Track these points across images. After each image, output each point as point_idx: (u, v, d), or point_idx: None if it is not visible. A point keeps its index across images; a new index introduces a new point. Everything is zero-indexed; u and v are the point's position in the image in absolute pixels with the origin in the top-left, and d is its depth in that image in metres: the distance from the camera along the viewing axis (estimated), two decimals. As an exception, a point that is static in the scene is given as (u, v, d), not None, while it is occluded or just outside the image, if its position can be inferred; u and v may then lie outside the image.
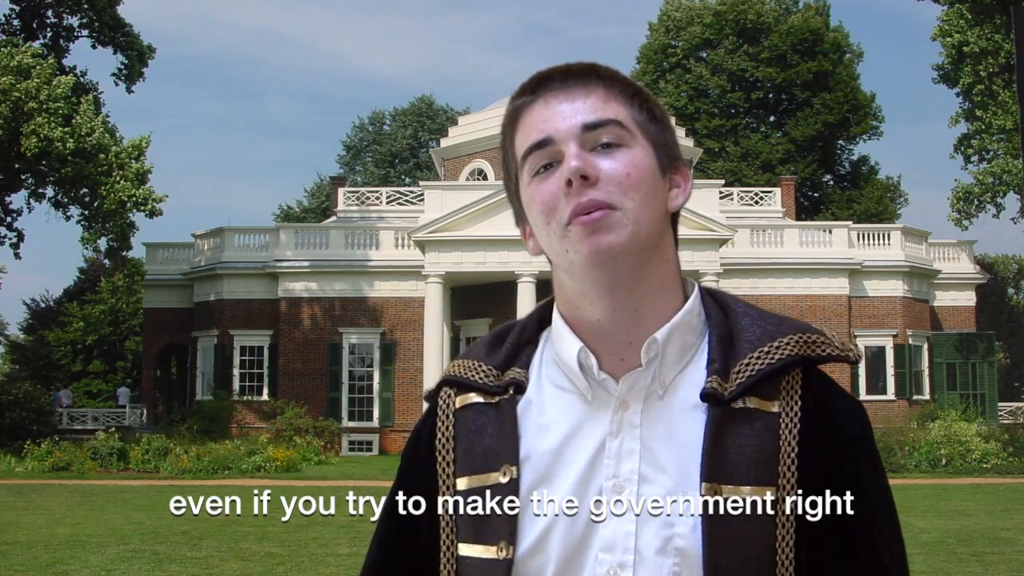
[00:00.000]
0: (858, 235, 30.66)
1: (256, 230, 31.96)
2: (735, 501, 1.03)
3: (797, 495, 1.05)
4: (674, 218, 1.17)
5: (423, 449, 1.19)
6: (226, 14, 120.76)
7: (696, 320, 1.13)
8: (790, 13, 48.67)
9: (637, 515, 1.05)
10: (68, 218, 27.98)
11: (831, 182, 49.64)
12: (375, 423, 29.55)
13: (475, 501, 1.11)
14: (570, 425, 1.11)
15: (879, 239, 30.68)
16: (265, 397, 29.66)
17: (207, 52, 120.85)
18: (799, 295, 29.55)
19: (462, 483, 1.13)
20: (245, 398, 29.79)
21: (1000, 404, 31.71)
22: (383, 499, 1.24)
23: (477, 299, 27.45)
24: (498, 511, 1.09)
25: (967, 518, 14.19)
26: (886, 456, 23.02)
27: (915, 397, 29.95)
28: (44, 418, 27.94)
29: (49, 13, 30.44)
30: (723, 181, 33.18)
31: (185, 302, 32.16)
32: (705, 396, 1.08)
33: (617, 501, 1.06)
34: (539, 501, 1.08)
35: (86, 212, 27.33)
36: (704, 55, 48.67)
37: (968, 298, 33.51)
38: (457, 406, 1.18)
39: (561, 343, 1.14)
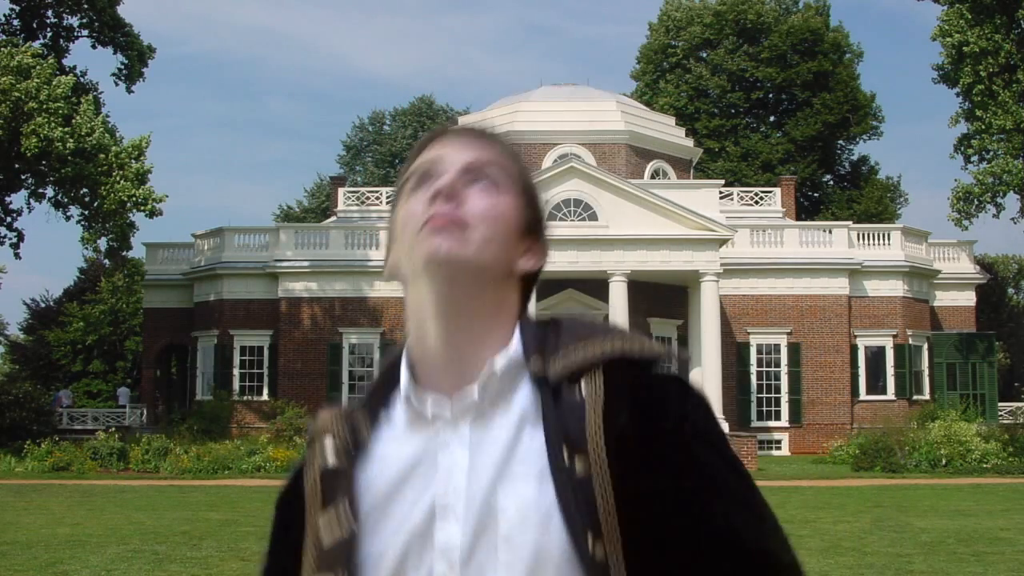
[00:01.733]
0: (858, 235, 30.66)
1: (256, 230, 31.97)
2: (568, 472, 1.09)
3: (606, 470, 1.09)
4: (525, 284, 1.22)
5: (293, 495, 1.28)
6: (226, 14, 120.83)
7: (517, 356, 1.17)
8: (790, 13, 48.68)
9: (463, 520, 1.10)
10: (68, 218, 28.01)
11: (831, 182, 49.65)
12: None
13: (323, 537, 1.18)
14: (404, 453, 1.17)
15: (879, 239, 30.68)
16: (265, 397, 29.66)
17: (207, 52, 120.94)
18: (799, 295, 29.54)
19: (320, 520, 1.20)
20: (245, 398, 29.79)
21: (1000, 404, 31.70)
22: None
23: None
24: (337, 544, 1.16)
25: (967, 518, 14.18)
26: (886, 456, 23.04)
27: (915, 397, 29.95)
28: (44, 418, 27.95)
29: (49, 13, 30.45)
30: (723, 181, 33.19)
31: (185, 302, 32.17)
32: (533, 377, 1.15)
33: (447, 512, 1.11)
34: (379, 523, 1.15)
35: (86, 212, 27.33)
36: (704, 55, 48.68)
37: (968, 298, 33.51)
38: (320, 461, 1.24)
39: (403, 373, 1.21)
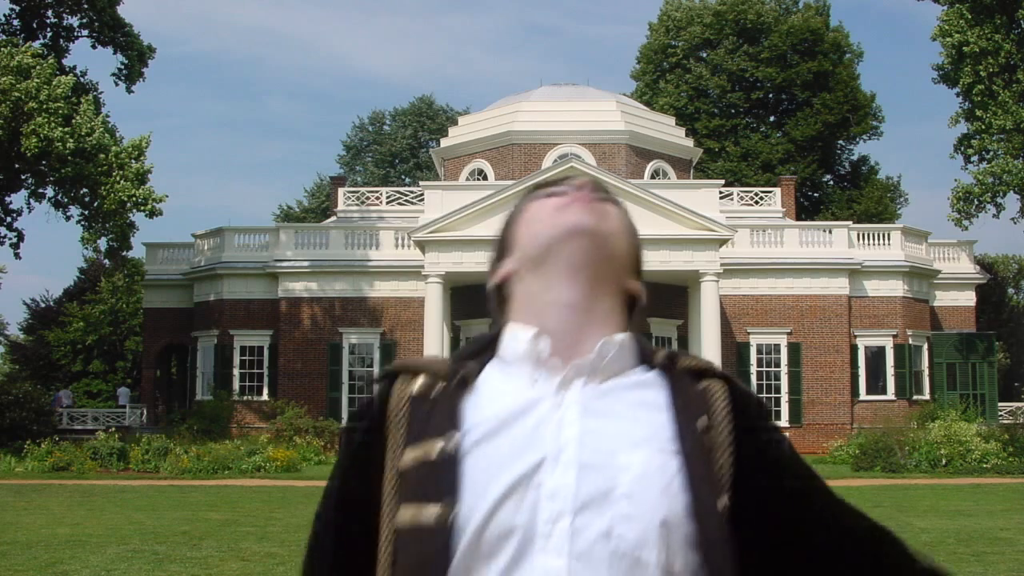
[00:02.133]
0: (858, 235, 30.65)
1: (256, 230, 31.96)
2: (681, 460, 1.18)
3: (729, 447, 1.22)
4: (629, 308, 1.33)
5: (374, 427, 1.27)
6: (226, 14, 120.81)
7: (632, 346, 1.28)
8: (790, 13, 48.67)
9: (578, 469, 1.14)
10: (68, 218, 27.99)
11: (831, 182, 49.65)
12: (376, 401, 29.47)
13: (419, 467, 1.19)
14: (515, 401, 1.20)
15: (879, 239, 30.67)
16: (265, 397, 29.67)
17: (207, 52, 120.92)
18: (799, 295, 29.54)
19: (410, 453, 1.21)
20: (245, 398, 29.79)
21: (1000, 404, 31.70)
22: (328, 481, 1.33)
23: (477, 299, 27.41)
24: (439, 472, 1.16)
25: (967, 518, 14.19)
26: (886, 456, 23.04)
27: (915, 397, 29.94)
28: (44, 418, 27.94)
29: (49, 13, 30.43)
30: (723, 181, 33.16)
31: (185, 302, 32.16)
32: (659, 367, 1.26)
33: (558, 460, 1.15)
34: (482, 460, 1.16)
35: (86, 212, 27.32)
36: (704, 55, 48.67)
37: (968, 298, 33.51)
38: (409, 391, 1.27)
39: (513, 336, 1.27)
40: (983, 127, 28.32)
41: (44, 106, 24.72)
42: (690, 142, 36.00)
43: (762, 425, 1.26)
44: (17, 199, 29.59)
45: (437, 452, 1.18)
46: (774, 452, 1.25)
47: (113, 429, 26.16)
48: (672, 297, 28.12)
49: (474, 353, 1.29)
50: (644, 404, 1.21)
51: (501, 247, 1.36)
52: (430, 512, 1.15)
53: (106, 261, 33.42)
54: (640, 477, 1.13)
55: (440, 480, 1.16)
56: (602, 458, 1.14)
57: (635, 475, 1.13)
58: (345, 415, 29.43)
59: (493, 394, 1.22)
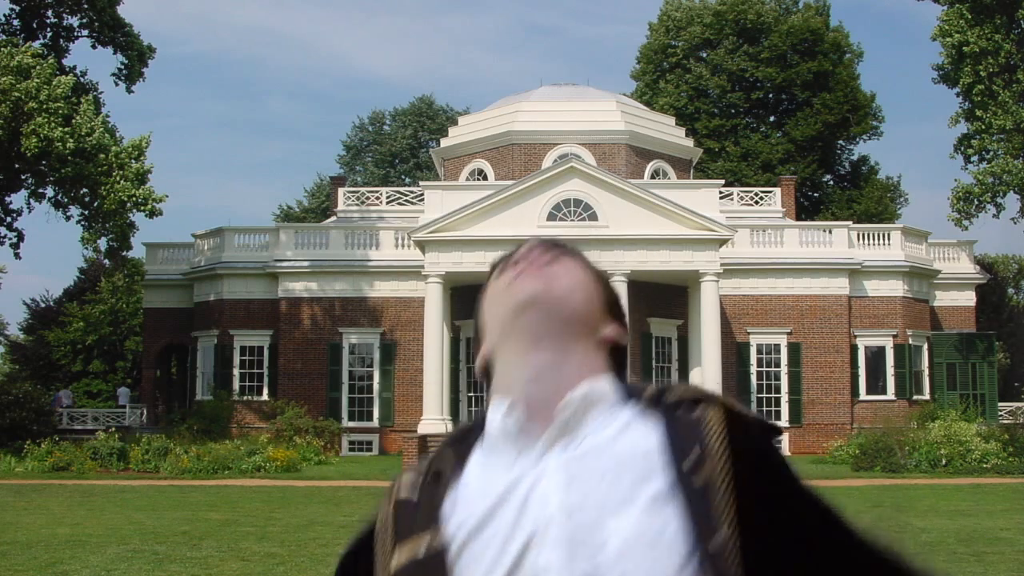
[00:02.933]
0: (858, 235, 30.65)
1: (256, 230, 31.96)
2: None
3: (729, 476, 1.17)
4: (615, 357, 1.31)
5: (364, 545, 1.28)
6: (226, 14, 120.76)
7: (609, 394, 1.24)
8: (790, 13, 48.66)
9: (567, 544, 1.12)
10: (68, 218, 27.99)
11: (831, 182, 49.63)
12: (375, 423, 29.55)
13: (408, 569, 1.18)
14: (498, 484, 1.19)
15: (879, 239, 30.67)
16: (265, 397, 29.66)
17: (207, 52, 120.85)
18: (799, 295, 29.54)
19: (395, 559, 1.21)
20: (245, 398, 29.78)
21: (1000, 404, 31.69)
22: None
23: (477, 299, 27.39)
24: (428, 571, 1.16)
25: (967, 518, 14.19)
26: (886, 456, 23.04)
27: (915, 397, 29.94)
28: (44, 418, 27.94)
29: (49, 13, 30.42)
30: (723, 181, 33.14)
31: (185, 302, 32.16)
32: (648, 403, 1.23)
33: (545, 538, 1.13)
34: (474, 555, 1.15)
35: (86, 212, 27.31)
36: (704, 55, 48.66)
37: (968, 298, 33.51)
38: (396, 498, 1.27)
39: (493, 411, 1.25)
40: (983, 127, 28.31)
41: (44, 106, 24.71)
42: (690, 142, 35.99)
43: (766, 448, 1.22)
44: (17, 199, 29.62)
45: (423, 551, 1.17)
46: (782, 476, 1.22)
47: (113, 429, 26.16)
48: (672, 297, 28.11)
49: (463, 435, 1.29)
50: (629, 455, 1.17)
51: (477, 330, 1.36)
52: None
53: (106, 261, 33.42)
54: (629, 543, 1.11)
55: None
56: (588, 528, 1.12)
57: (623, 541, 1.11)
58: (345, 415, 29.45)
59: (476, 481, 1.21)
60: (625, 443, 1.18)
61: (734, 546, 1.12)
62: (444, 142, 35.68)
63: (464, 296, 27.80)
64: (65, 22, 30.58)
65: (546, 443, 1.19)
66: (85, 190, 26.71)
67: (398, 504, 1.24)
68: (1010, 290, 48.31)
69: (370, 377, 29.74)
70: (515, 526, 1.14)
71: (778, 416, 29.36)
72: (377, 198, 33.97)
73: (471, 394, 28.16)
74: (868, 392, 29.80)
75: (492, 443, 1.24)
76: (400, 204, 33.15)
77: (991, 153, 28.89)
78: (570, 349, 1.24)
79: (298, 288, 30.01)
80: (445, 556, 1.15)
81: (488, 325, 1.31)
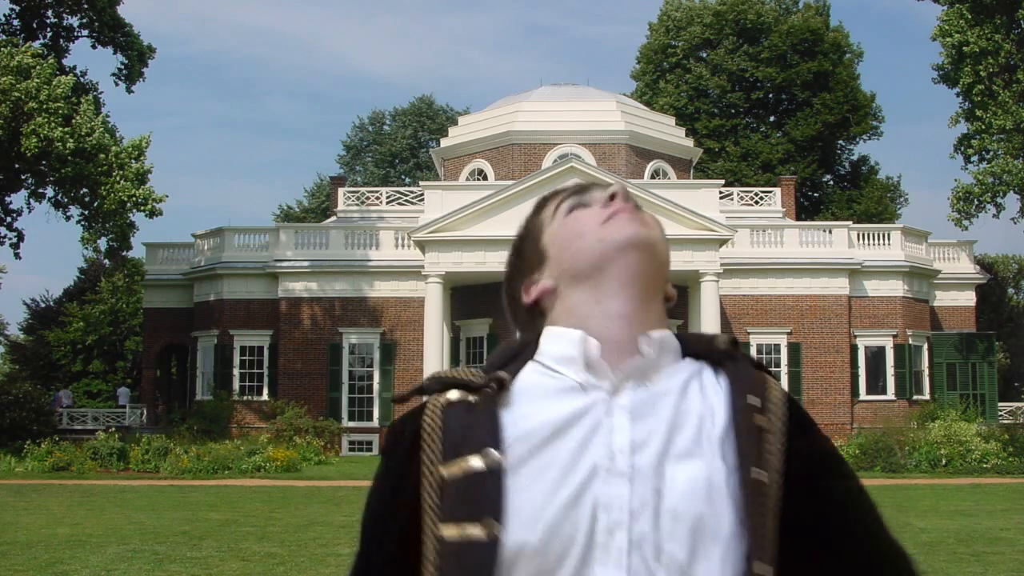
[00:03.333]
0: (858, 235, 30.65)
1: (256, 230, 31.96)
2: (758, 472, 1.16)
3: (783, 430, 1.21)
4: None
5: (407, 446, 1.22)
6: (226, 14, 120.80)
7: (678, 346, 1.27)
8: (790, 13, 48.67)
9: (631, 479, 1.13)
10: (68, 218, 27.98)
11: (831, 182, 49.63)
12: (375, 423, 29.55)
13: (458, 484, 1.14)
14: (559, 409, 1.18)
15: (879, 239, 30.67)
16: (265, 397, 29.66)
17: (207, 52, 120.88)
18: (799, 295, 29.54)
19: (445, 470, 1.16)
20: (245, 398, 29.78)
21: (1000, 404, 31.69)
22: (368, 500, 1.26)
23: (477, 299, 27.46)
24: (484, 487, 1.13)
25: (967, 518, 14.19)
26: (886, 456, 23.04)
27: (915, 397, 29.94)
28: (44, 418, 27.95)
29: (49, 13, 30.42)
30: (723, 181, 33.15)
31: (185, 302, 32.16)
32: (725, 354, 1.26)
33: (611, 471, 1.13)
34: (534, 473, 1.13)
35: (86, 212, 27.31)
36: (704, 55, 48.66)
37: (968, 298, 33.51)
38: (443, 403, 1.22)
39: (557, 339, 1.25)
40: (983, 127, 28.31)
41: (44, 106, 24.71)
42: (690, 142, 35.99)
43: (811, 426, 1.26)
44: (17, 199, 29.62)
45: (480, 467, 1.14)
46: (826, 454, 1.25)
47: (113, 429, 26.17)
48: (672, 297, 28.11)
49: (506, 361, 1.26)
50: (697, 402, 1.19)
51: (529, 260, 1.33)
52: (477, 527, 1.11)
53: (106, 261, 33.42)
54: (690, 486, 1.13)
55: (487, 495, 1.12)
56: (652, 468, 1.13)
57: (685, 484, 1.13)
58: (345, 415, 29.46)
59: (536, 400, 1.19)
60: (694, 391, 1.21)
61: (778, 484, 1.14)
62: (444, 142, 35.68)
63: (464, 296, 27.82)
64: (65, 22, 30.59)
65: (620, 379, 1.19)
66: (85, 190, 26.71)
67: (447, 411, 1.20)
68: (1010, 290, 48.33)
69: (370, 377, 29.74)
70: (580, 454, 1.14)
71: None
72: (377, 198, 33.97)
73: (471, 394, 28.16)
74: (868, 392, 29.80)
75: (556, 366, 1.23)
76: (400, 204, 33.16)
77: (991, 153, 28.89)
78: (654, 297, 1.27)
79: (298, 288, 30.01)
80: (500, 472, 1.13)
81: (561, 256, 1.28)
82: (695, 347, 1.27)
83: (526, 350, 1.28)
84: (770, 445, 1.17)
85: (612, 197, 1.28)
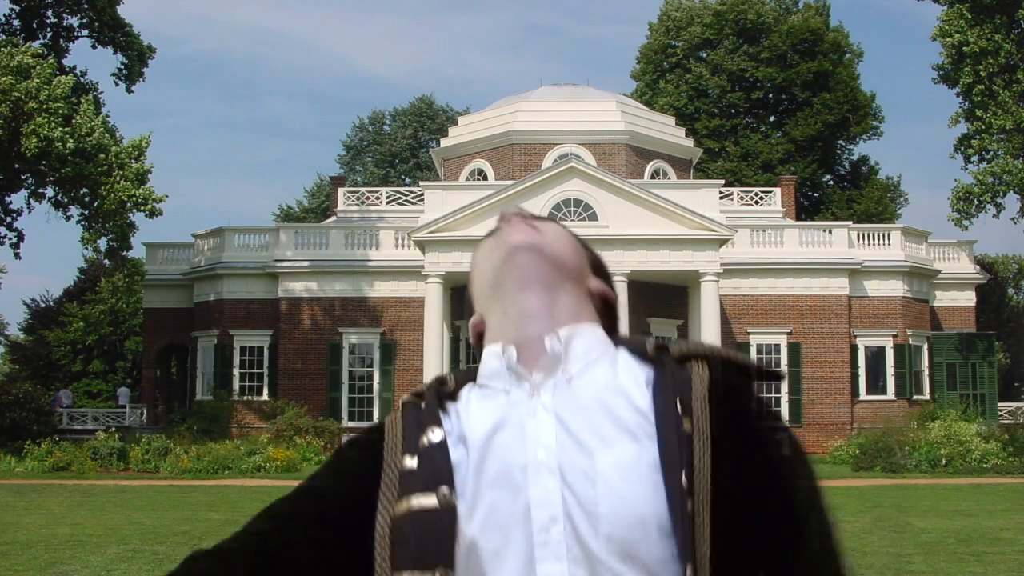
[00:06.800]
0: (858, 235, 30.65)
1: (256, 230, 31.95)
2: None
3: (707, 430, 1.19)
4: (606, 312, 1.36)
5: (373, 441, 1.31)
6: (226, 14, 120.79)
7: (599, 336, 1.29)
8: (790, 13, 48.67)
9: (562, 476, 1.16)
10: (68, 218, 27.98)
11: (831, 182, 49.63)
12: (375, 423, 29.48)
13: (420, 463, 1.22)
14: (488, 418, 1.23)
15: (879, 239, 30.67)
16: (265, 397, 29.66)
17: (207, 52, 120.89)
18: (799, 295, 29.54)
19: (406, 459, 1.24)
20: (245, 398, 29.78)
21: (1000, 404, 31.69)
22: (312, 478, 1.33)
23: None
24: (438, 466, 1.20)
25: (967, 518, 14.19)
26: (886, 456, 23.05)
27: (915, 397, 29.94)
28: (44, 418, 27.94)
29: (49, 13, 30.42)
30: (723, 181, 33.16)
31: (185, 302, 32.16)
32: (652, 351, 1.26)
33: (539, 469, 1.17)
34: (475, 471, 1.19)
35: (86, 212, 27.31)
36: (704, 55, 48.66)
37: (968, 298, 33.51)
38: (399, 405, 1.33)
39: (485, 356, 1.30)
40: (983, 127, 28.31)
41: (44, 106, 24.71)
42: (690, 142, 35.99)
43: (749, 410, 1.24)
44: (17, 199, 29.61)
45: (427, 454, 1.21)
46: (761, 445, 1.22)
47: (113, 429, 26.16)
48: (672, 297, 28.11)
49: (455, 378, 1.33)
50: (618, 391, 1.21)
51: (469, 307, 1.40)
52: (431, 498, 1.18)
53: (106, 261, 33.40)
54: (617, 474, 1.14)
55: (439, 475, 1.19)
56: (580, 459, 1.16)
57: (612, 472, 1.14)
58: (345, 415, 29.45)
59: (471, 410, 1.25)
60: (618, 381, 1.22)
61: (707, 489, 1.14)
62: (444, 142, 35.68)
63: (464, 296, 27.80)
64: (65, 22, 30.59)
65: (537, 378, 1.23)
66: (85, 190, 26.71)
67: (404, 408, 1.29)
68: (1010, 290, 48.33)
69: (370, 377, 29.74)
70: (511, 454, 1.18)
71: (778, 416, 29.35)
72: (377, 198, 33.97)
73: (471, 394, 28.14)
74: (868, 392, 29.81)
75: (484, 382, 1.27)
76: (400, 204, 33.15)
77: (991, 153, 28.89)
78: (560, 293, 1.29)
79: (298, 288, 30.01)
80: (448, 459, 1.20)
81: (477, 289, 1.35)
82: (628, 345, 1.29)
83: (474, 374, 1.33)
84: (697, 450, 1.16)
85: (508, 217, 1.36)
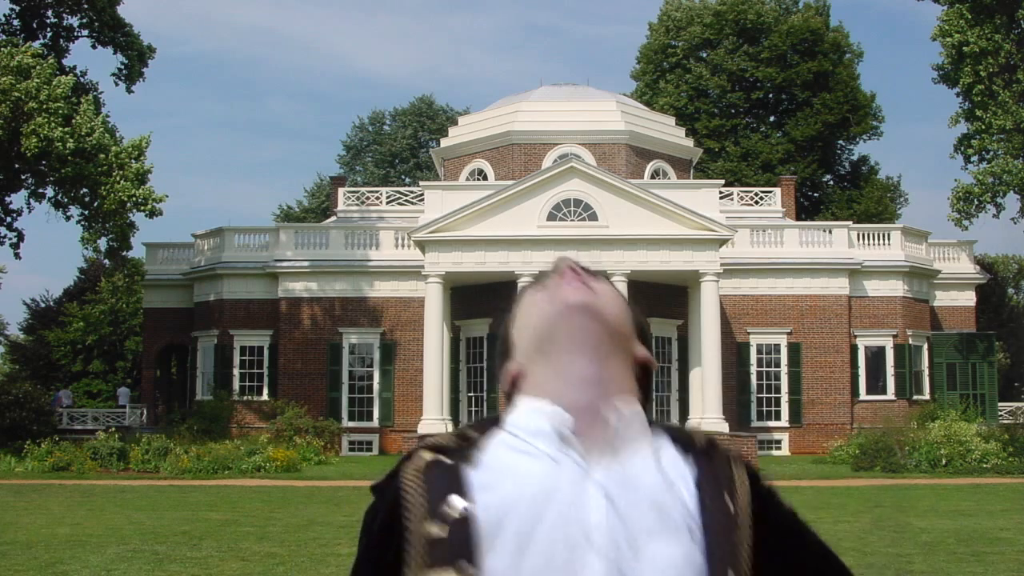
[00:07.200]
0: (858, 235, 30.65)
1: (256, 230, 31.96)
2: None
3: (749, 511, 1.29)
4: (642, 380, 1.36)
5: (393, 502, 1.26)
6: (226, 14, 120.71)
7: (641, 414, 1.30)
8: (790, 13, 48.66)
9: (608, 557, 1.15)
10: (68, 218, 27.96)
11: (831, 182, 49.63)
12: (375, 423, 29.55)
13: (441, 540, 1.19)
14: (533, 483, 1.19)
15: (879, 239, 30.67)
16: (265, 397, 29.66)
17: (207, 52, 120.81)
18: (799, 295, 29.54)
19: (428, 527, 1.20)
20: (245, 398, 29.78)
21: (1000, 404, 31.70)
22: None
23: (477, 299, 27.45)
24: (464, 542, 1.17)
25: (967, 518, 14.19)
26: (886, 456, 23.04)
27: (915, 397, 29.94)
28: (44, 418, 27.93)
29: (49, 13, 30.42)
30: (723, 181, 33.13)
31: (185, 302, 32.16)
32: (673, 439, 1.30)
33: (587, 547, 1.15)
34: (508, 554, 1.16)
35: (86, 212, 27.30)
36: (704, 55, 48.66)
37: (968, 298, 33.51)
38: (421, 463, 1.27)
39: (530, 411, 1.26)
40: (983, 127, 28.30)
41: (44, 106, 24.70)
42: (690, 142, 35.98)
43: (774, 502, 1.34)
44: (17, 199, 29.61)
45: (454, 524, 1.18)
46: (791, 527, 1.36)
47: (113, 429, 26.15)
48: (672, 297, 28.10)
49: (477, 429, 1.30)
50: (665, 480, 1.22)
51: (505, 351, 1.37)
52: (452, 574, 1.15)
53: (106, 261, 33.39)
54: (664, 566, 1.15)
55: (466, 548, 1.16)
56: (627, 547, 1.16)
57: (659, 564, 1.15)
58: (345, 415, 29.46)
59: (506, 470, 1.21)
60: (663, 469, 1.23)
61: None
62: (444, 142, 35.67)
63: (464, 296, 27.80)
64: (65, 22, 30.59)
65: (592, 455, 1.21)
66: (85, 190, 26.70)
67: (429, 466, 1.24)
68: (1010, 290, 48.34)
69: (370, 377, 29.74)
70: (561, 528, 1.16)
71: (778, 416, 29.40)
72: (377, 198, 33.97)
73: (471, 394, 28.12)
74: (868, 392, 29.81)
75: (523, 438, 1.24)
76: (400, 204, 33.16)
77: (991, 153, 28.87)
78: (611, 360, 1.28)
79: (298, 288, 30.02)
80: (473, 532, 1.17)
81: (522, 338, 1.32)
82: (673, 433, 1.30)
83: (495, 423, 1.30)
84: (739, 542, 1.22)
85: (565, 271, 1.35)
